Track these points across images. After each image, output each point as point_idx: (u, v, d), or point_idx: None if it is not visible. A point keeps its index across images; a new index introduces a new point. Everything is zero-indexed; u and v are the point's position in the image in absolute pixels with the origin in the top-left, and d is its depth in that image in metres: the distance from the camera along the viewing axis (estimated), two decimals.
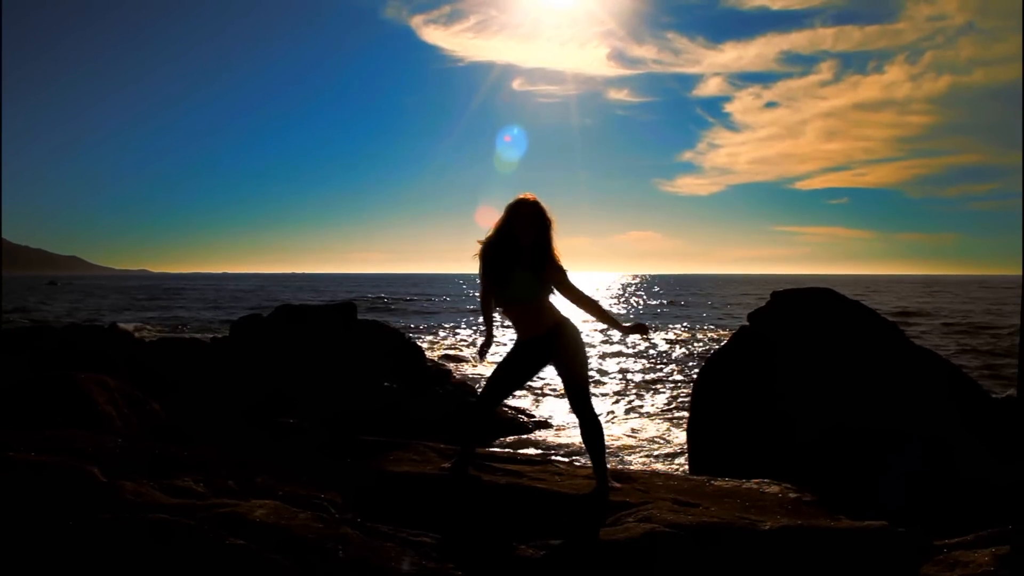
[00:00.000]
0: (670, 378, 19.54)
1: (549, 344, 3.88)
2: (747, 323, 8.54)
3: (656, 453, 11.51)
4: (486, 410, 4.16)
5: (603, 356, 23.97)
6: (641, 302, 66.75)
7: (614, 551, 2.72)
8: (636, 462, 10.90)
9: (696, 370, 14.41)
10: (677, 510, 3.14)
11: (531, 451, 10.90)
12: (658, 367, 21.73)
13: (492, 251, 3.86)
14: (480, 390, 4.16)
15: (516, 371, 3.99)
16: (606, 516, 3.23)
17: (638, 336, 4.34)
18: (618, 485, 3.94)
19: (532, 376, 4.07)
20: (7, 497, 2.95)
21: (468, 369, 21.07)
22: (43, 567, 2.53)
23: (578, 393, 3.90)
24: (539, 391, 15.56)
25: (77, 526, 2.71)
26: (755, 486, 4.40)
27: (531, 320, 3.88)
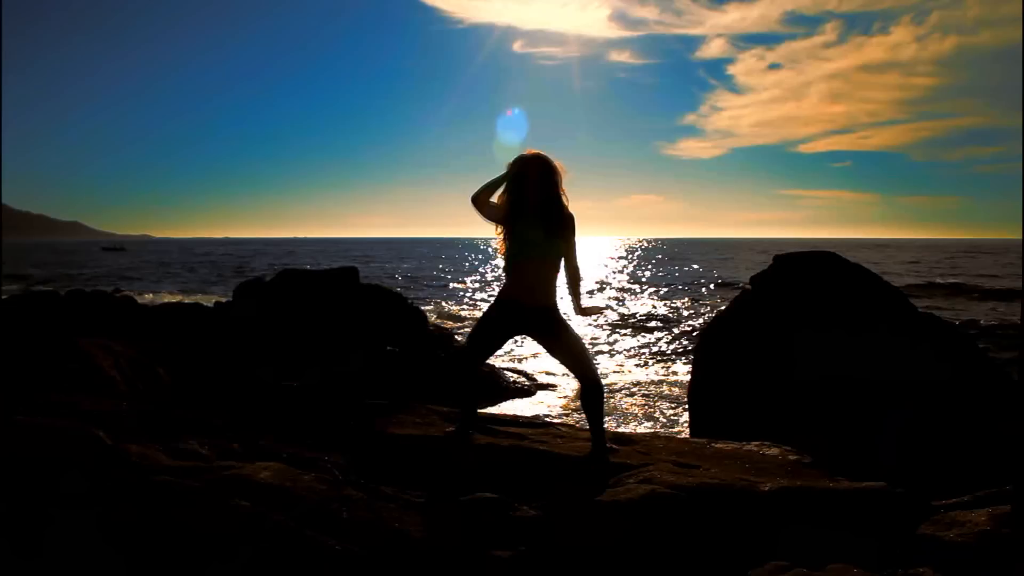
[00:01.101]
0: (672, 341, 19.61)
1: (543, 322, 3.82)
2: (749, 287, 8.53)
3: (657, 416, 11.60)
4: (471, 367, 4.06)
5: (607, 320, 24.02)
6: (645, 267, 66.68)
7: (616, 511, 2.76)
8: (637, 425, 10.99)
9: (698, 334, 14.45)
10: (678, 472, 3.17)
11: (532, 414, 11.00)
12: (660, 331, 21.79)
13: (505, 204, 3.77)
14: (463, 347, 4.09)
15: (500, 334, 3.92)
16: (607, 477, 3.26)
17: (591, 317, 4.23)
18: (616, 447, 3.96)
19: (513, 338, 4.05)
20: (13, 461, 2.98)
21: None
22: (49, 529, 2.57)
23: (580, 360, 3.88)
24: (541, 351, 15.65)
25: (83, 488, 2.74)
26: (755, 448, 4.44)
27: (533, 281, 3.77)
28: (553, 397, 12.63)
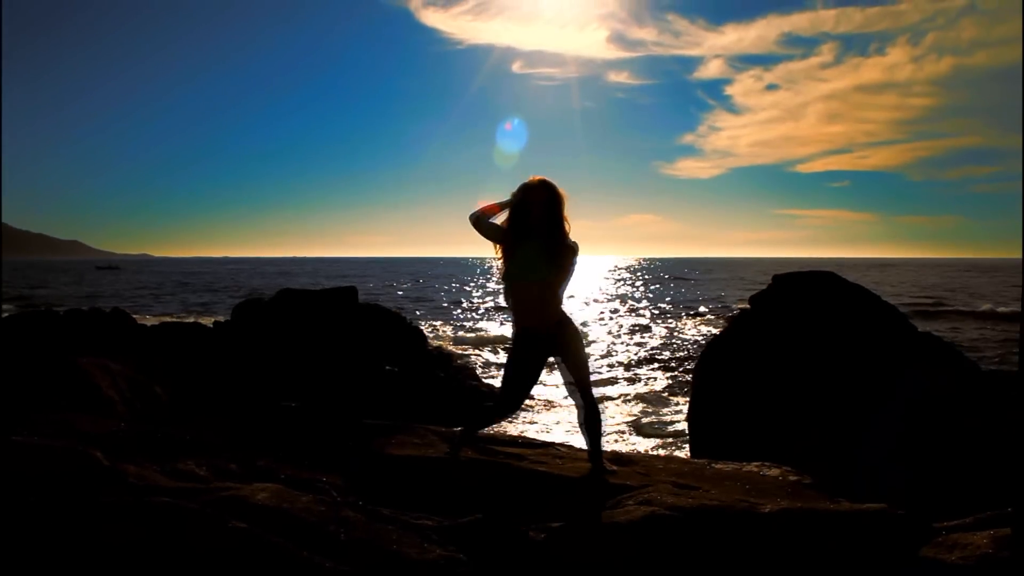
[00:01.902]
0: (671, 362, 19.57)
1: (555, 339, 3.84)
2: (748, 306, 8.54)
3: (657, 436, 11.55)
4: (514, 411, 4.11)
5: (606, 340, 23.99)
6: (644, 287, 66.69)
7: (615, 533, 2.74)
8: (637, 445, 10.95)
9: (697, 353, 14.41)
10: (677, 493, 3.15)
11: (531, 433, 10.96)
12: (660, 351, 21.75)
13: (508, 227, 3.80)
14: (499, 397, 4.07)
15: (532, 372, 3.91)
16: (607, 499, 3.24)
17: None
18: (614, 468, 3.95)
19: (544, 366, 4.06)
20: (11, 481, 2.96)
21: (471, 354, 21.08)
22: (47, 550, 2.55)
23: (581, 381, 3.89)
24: None
25: (81, 510, 2.72)
26: (755, 469, 4.42)
27: (537, 305, 3.79)
28: (551, 417, 12.58)
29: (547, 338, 3.84)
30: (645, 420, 12.65)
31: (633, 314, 36.31)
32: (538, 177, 3.82)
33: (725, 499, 3.04)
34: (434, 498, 3.54)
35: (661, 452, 9.89)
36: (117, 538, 2.60)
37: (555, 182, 3.81)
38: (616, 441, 11.01)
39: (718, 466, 4.45)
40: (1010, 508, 2.62)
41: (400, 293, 54.52)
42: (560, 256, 3.75)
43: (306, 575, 2.51)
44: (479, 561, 2.77)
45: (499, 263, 3.86)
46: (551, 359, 3.93)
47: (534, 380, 3.97)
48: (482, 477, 3.78)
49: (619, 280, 79.76)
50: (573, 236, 3.82)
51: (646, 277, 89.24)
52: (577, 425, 4.11)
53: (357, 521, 2.95)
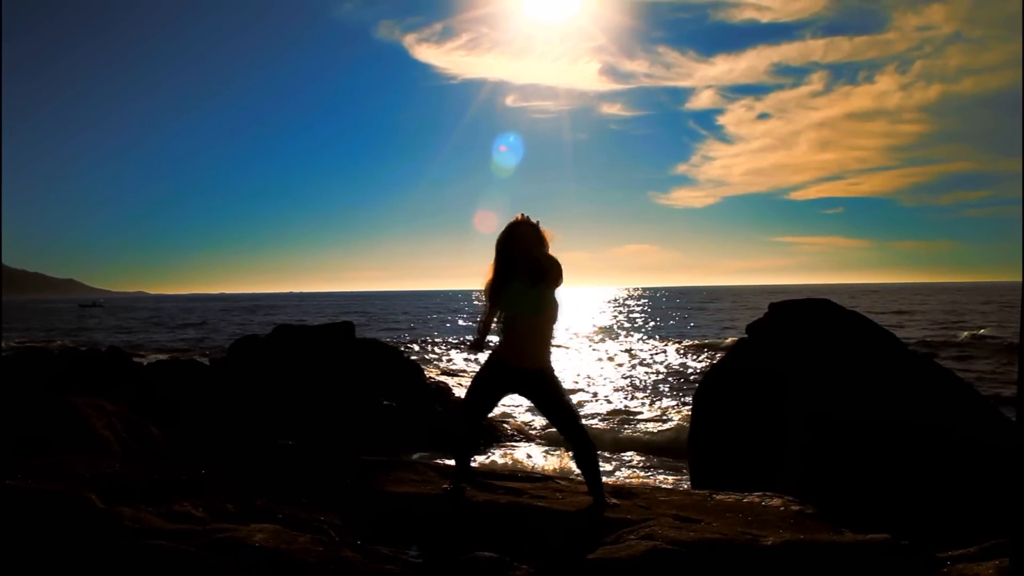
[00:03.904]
0: (670, 392, 19.51)
1: (534, 384, 3.83)
2: (745, 335, 8.54)
3: (657, 467, 11.47)
4: (471, 429, 4.09)
5: (601, 369, 23.93)
6: (641, 317, 66.72)
7: (616, 570, 2.71)
8: (638, 477, 10.86)
9: (696, 383, 14.37)
10: (679, 526, 3.13)
11: (529, 465, 10.88)
12: (658, 381, 21.69)
13: (495, 272, 3.85)
14: (459, 409, 4.14)
15: (493, 393, 3.94)
16: (608, 534, 3.21)
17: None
18: (616, 502, 3.91)
19: (504, 397, 4.07)
20: (6, 526, 2.93)
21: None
22: None
23: (569, 423, 3.85)
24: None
25: (76, 554, 2.69)
26: (757, 499, 4.38)
27: (528, 342, 3.79)
28: (551, 447, 12.49)
29: (516, 375, 3.82)
30: (645, 451, 12.56)
31: (630, 343, 36.26)
32: (519, 217, 3.88)
33: (727, 532, 3.01)
34: (433, 535, 3.51)
35: (662, 484, 9.81)
36: None
37: (537, 222, 3.86)
38: (616, 471, 10.93)
39: (719, 497, 4.41)
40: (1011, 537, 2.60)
41: (396, 327, 54.43)
42: (546, 280, 3.72)
43: None
44: None
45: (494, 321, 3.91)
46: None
47: (490, 403, 3.99)
48: (481, 514, 3.74)
49: (615, 310, 79.77)
50: (567, 269, 3.85)
51: (642, 306, 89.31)
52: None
53: (356, 561, 2.92)
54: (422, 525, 3.69)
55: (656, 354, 29.89)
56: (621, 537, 3.05)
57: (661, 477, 10.97)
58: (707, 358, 26.88)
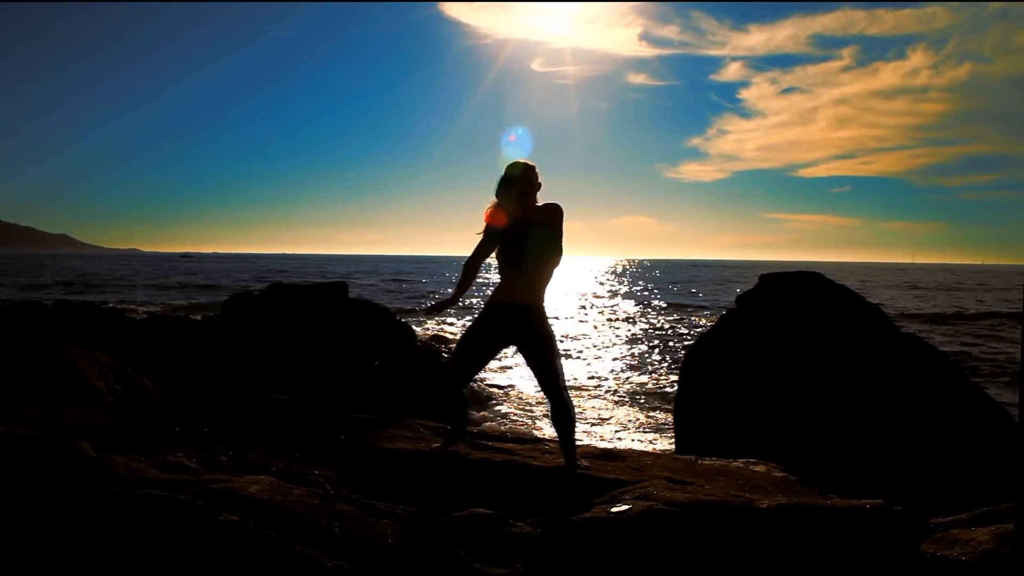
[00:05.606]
0: (657, 360, 19.62)
1: (522, 321, 3.76)
2: (735, 305, 8.56)
3: (642, 433, 11.57)
4: (457, 386, 4.01)
5: (589, 337, 24.04)
6: (628, 286, 66.89)
7: (614, 528, 2.72)
8: (622, 442, 10.96)
9: (683, 352, 14.44)
10: (673, 488, 3.14)
11: (513, 426, 10.99)
12: (646, 349, 21.80)
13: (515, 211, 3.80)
14: (448, 366, 4.08)
15: (486, 347, 3.88)
16: (602, 494, 3.23)
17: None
18: (586, 463, 3.90)
19: (499, 353, 4.03)
20: None
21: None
22: (34, 544, 2.50)
23: (551, 377, 3.77)
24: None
25: (67, 502, 2.68)
26: (742, 465, 4.42)
27: (530, 280, 3.78)
28: (541, 410, 12.57)
29: (509, 313, 3.76)
30: (630, 417, 12.66)
31: (617, 312, 36.33)
32: (515, 162, 3.87)
33: (721, 494, 3.03)
34: (428, 492, 3.52)
35: (648, 448, 9.90)
36: (105, 530, 2.55)
37: (531, 166, 3.87)
38: (601, 438, 11.02)
39: (707, 462, 4.45)
40: (1007, 504, 2.63)
41: (390, 289, 54.35)
42: (545, 219, 3.75)
43: (300, 569, 2.47)
44: (475, 555, 2.74)
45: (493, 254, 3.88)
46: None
47: (482, 363, 3.93)
48: (475, 471, 3.75)
49: (603, 280, 79.81)
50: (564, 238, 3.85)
51: (630, 277, 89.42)
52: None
53: (351, 514, 2.92)
54: (417, 481, 3.70)
55: (641, 323, 30.01)
56: (616, 497, 3.06)
57: (648, 438, 11.08)
58: (696, 328, 27.01)
